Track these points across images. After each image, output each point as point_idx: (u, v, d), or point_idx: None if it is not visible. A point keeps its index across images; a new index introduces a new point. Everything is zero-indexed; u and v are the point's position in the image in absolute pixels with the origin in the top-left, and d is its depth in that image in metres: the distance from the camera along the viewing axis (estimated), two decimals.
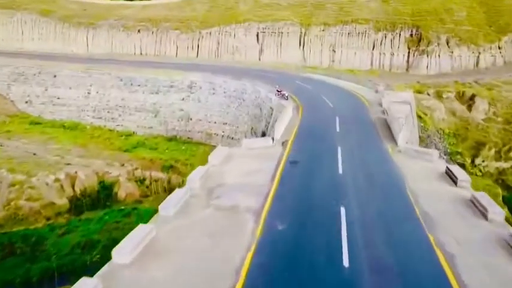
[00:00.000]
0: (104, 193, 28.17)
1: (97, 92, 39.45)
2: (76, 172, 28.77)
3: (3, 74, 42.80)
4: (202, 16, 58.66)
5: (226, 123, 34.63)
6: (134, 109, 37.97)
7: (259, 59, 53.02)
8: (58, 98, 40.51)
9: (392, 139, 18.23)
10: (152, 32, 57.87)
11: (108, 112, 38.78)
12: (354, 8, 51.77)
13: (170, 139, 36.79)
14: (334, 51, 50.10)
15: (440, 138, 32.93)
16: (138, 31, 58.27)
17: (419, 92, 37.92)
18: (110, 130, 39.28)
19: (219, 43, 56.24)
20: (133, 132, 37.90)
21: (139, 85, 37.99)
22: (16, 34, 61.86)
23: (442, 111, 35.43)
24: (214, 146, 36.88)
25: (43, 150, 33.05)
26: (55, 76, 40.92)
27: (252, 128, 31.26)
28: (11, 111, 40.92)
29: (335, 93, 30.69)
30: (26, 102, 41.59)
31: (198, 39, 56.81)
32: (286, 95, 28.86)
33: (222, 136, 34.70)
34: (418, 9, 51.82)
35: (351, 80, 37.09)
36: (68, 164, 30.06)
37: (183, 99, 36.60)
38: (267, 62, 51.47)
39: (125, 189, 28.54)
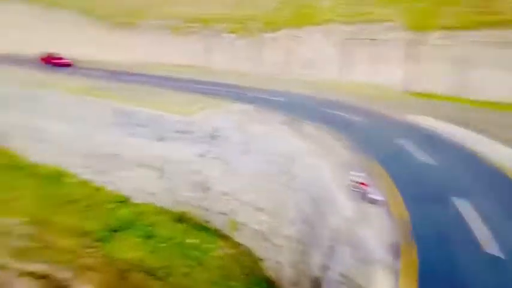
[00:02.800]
0: None
1: (87, 129, 28.56)
2: None
3: None
4: (267, 15, 45.07)
5: (262, 210, 20.71)
6: (131, 162, 26.10)
7: (341, 78, 37.69)
8: (43, 133, 30.75)
9: None
10: (202, 36, 46.05)
11: (97, 161, 27.63)
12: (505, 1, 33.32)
13: (178, 218, 23.96)
14: (465, 71, 32.64)
15: None
16: (187, 34, 46.98)
17: None
18: (97, 189, 27.96)
19: (286, 52, 42.22)
20: (127, 198, 26.14)
21: (139, 125, 25.98)
22: (52, 35, 55.39)
23: None
24: (241, 246, 23.59)
25: None
26: (47, 102, 31.09)
27: (298, 248, 16.75)
28: None
29: None
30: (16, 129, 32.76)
31: (259, 46, 43.46)
32: (377, 198, 13.92)
33: (255, 231, 20.86)
34: None
35: None
36: None
37: (200, 155, 23.54)
38: (352, 84, 35.92)
39: None
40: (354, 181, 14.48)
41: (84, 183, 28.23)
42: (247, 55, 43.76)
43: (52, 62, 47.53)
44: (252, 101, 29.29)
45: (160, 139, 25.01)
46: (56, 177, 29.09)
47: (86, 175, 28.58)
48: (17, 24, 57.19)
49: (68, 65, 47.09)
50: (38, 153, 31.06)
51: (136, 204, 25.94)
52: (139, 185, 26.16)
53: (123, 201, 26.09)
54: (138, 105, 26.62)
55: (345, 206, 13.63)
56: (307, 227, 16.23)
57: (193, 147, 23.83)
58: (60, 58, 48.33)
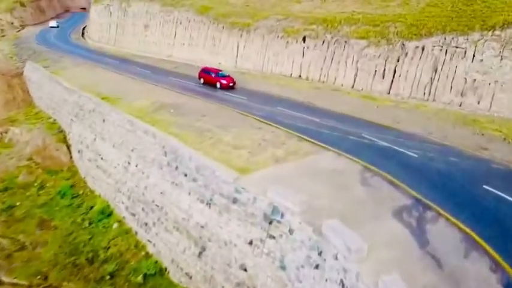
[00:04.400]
0: None
1: (136, 166, 22.83)
2: None
3: (72, 101, 31.99)
4: (415, 15, 33.25)
5: None
6: (173, 222, 19.24)
7: None
8: (102, 159, 26.37)
9: None
10: (323, 42, 36.96)
11: (143, 209, 21.63)
12: None
13: None
14: None
15: None
16: (303, 39, 38.55)
17: None
18: (136, 246, 22.04)
19: (435, 69, 30.05)
20: (165, 270, 19.29)
21: (187, 174, 18.87)
22: (169, 37, 53.38)
23: None
24: None
25: None
26: (104, 121, 26.69)
27: None
28: (53, 163, 29.77)
29: None
30: (79, 151, 29.56)
31: (397, 59, 32.21)
32: None
33: None
34: None
35: None
36: None
37: (249, 241, 15.23)
38: None
39: None
40: None
41: (128, 234, 22.67)
42: (379, 69, 33.00)
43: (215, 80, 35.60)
44: (359, 148, 19.45)
45: (206, 201, 17.38)
46: (104, 217, 24.43)
47: (131, 222, 23.06)
48: (135, 23, 57.99)
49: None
50: (96, 181, 27.17)
51: (171, 284, 19.04)
52: (177, 257, 19.13)
53: (158, 271, 19.53)
54: (195, 145, 19.47)
55: None
56: None
57: (241, 227, 15.46)
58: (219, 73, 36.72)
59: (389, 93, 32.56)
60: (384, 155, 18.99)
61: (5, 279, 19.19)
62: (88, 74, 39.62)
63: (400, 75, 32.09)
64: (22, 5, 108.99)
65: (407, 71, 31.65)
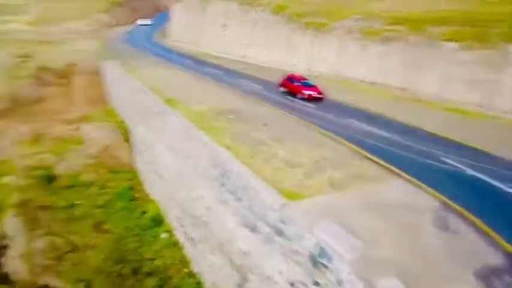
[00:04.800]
0: None
1: (188, 175, 21.59)
2: None
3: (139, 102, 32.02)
4: None
5: None
6: (217, 243, 17.59)
7: None
8: (158, 163, 25.72)
9: None
10: (405, 44, 32.98)
11: (191, 222, 20.30)
12: None
13: None
14: None
15: None
16: (383, 41, 34.87)
17: None
18: (181, 261, 20.64)
19: None
20: None
21: (232, 192, 17.04)
22: (244, 37, 52.46)
23: None
24: None
25: None
26: (163, 123, 26.04)
27: None
28: (116, 163, 29.97)
29: None
30: (140, 153, 29.46)
31: (498, 66, 27.39)
32: None
33: None
34: None
35: None
36: None
37: (292, 284, 13.00)
38: None
39: None
40: None
41: (175, 247, 21.78)
42: (474, 77, 28.39)
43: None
44: (440, 177, 16.15)
45: (250, 227, 15.57)
46: (155, 224, 23.88)
47: (180, 234, 22.12)
48: (213, 22, 58.11)
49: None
50: (152, 185, 26.84)
51: None
52: (219, 282, 17.59)
53: None
54: (246, 159, 17.73)
55: None
56: None
57: (284, 263, 13.34)
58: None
59: (483, 106, 27.92)
60: (474, 190, 15.54)
61: (51, 281, 19.38)
62: (159, 74, 40.24)
63: (499, 86, 27.35)
64: (118, 5, 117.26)
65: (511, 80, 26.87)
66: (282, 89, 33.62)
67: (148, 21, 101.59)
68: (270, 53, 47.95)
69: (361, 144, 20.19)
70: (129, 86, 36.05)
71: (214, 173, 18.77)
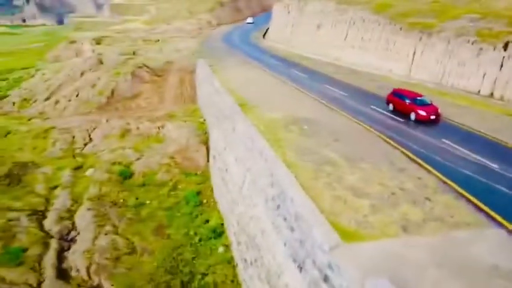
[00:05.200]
0: None
1: (247, 189, 19.68)
2: None
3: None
4: None
5: None
6: (266, 271, 15.43)
7: None
8: (226, 170, 24.27)
9: None
10: None
11: (245, 241, 18.43)
12: None
13: None
14: None
15: None
16: (505, 45, 29.10)
17: None
18: (232, 282, 18.86)
19: None
20: None
21: (285, 220, 14.60)
22: (338, 39, 49.01)
23: None
24: None
25: None
26: (233, 130, 24.56)
27: None
28: (190, 165, 29.38)
29: None
30: (214, 157, 28.48)
31: None
32: None
33: None
34: None
35: None
36: None
37: None
38: None
39: None
40: None
41: (229, 264, 20.32)
42: None
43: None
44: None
45: (298, 263, 13.32)
46: (214, 236, 22.76)
47: (235, 252, 20.63)
48: (308, 23, 55.63)
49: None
50: (219, 192, 25.80)
51: None
52: None
53: None
54: (307, 182, 15.43)
55: None
56: None
57: None
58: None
59: None
60: None
61: (104, 284, 19.42)
62: (242, 75, 39.49)
63: None
64: (221, 5, 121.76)
65: None
66: (391, 106, 27.44)
67: (251, 20, 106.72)
68: (364, 56, 44.14)
69: (454, 174, 16.40)
70: (211, 86, 35.91)
71: (271, 192, 16.84)
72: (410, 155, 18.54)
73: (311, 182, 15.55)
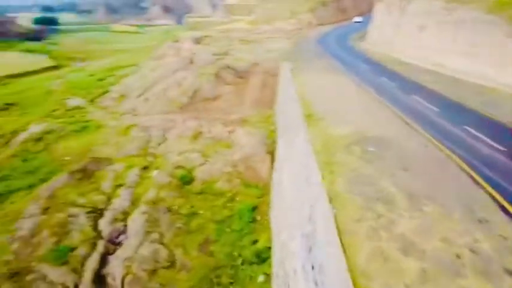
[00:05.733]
0: None
1: (290, 220, 16.90)
2: None
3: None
4: None
5: None
6: None
7: None
8: (281, 187, 21.55)
9: None
10: None
11: (282, 276, 15.76)
12: None
13: None
14: None
15: None
16: None
17: None
18: None
19: None
20: None
21: (312, 266, 11.80)
22: (442, 42, 42.45)
23: None
24: None
25: None
26: (292, 143, 21.75)
27: None
28: (252, 176, 27.22)
29: None
30: (276, 170, 25.93)
31: None
32: None
33: None
34: None
35: None
36: None
37: None
38: None
39: None
40: None
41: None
42: None
43: None
44: None
45: None
46: (258, 261, 20.59)
47: (274, 283, 18.25)
48: (411, 23, 49.49)
49: None
50: (274, 211, 23.52)
51: None
52: None
53: None
54: (347, 224, 12.51)
55: None
56: None
57: None
58: None
59: None
60: None
61: None
62: (323, 81, 36.18)
63: None
64: (323, 4, 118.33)
65: None
66: None
67: (360, 19, 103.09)
68: (473, 63, 37.55)
69: None
70: (286, 92, 33.73)
71: (307, 228, 14.24)
72: (504, 202, 14.19)
73: (352, 225, 12.57)
